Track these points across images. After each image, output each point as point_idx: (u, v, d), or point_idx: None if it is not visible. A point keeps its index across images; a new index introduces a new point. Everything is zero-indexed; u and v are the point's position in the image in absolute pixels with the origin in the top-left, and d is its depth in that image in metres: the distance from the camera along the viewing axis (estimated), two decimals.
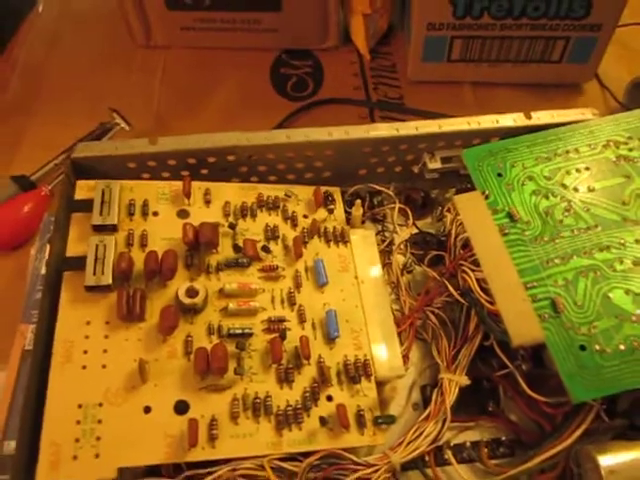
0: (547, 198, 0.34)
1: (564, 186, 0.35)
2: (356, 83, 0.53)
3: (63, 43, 0.54)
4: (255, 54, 0.53)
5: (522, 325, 0.30)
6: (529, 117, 0.38)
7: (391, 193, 0.39)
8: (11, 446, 0.26)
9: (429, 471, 0.31)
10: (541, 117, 0.38)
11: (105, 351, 0.29)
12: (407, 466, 0.31)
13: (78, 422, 0.27)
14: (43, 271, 0.36)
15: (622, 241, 0.33)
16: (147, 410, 0.28)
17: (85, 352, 0.29)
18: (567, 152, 0.36)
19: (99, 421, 0.28)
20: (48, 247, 0.30)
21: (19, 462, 0.27)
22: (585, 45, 0.48)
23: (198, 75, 0.52)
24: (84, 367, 0.29)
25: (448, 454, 0.32)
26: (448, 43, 0.49)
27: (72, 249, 0.32)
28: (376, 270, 0.36)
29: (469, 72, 0.51)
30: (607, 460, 0.29)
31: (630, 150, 0.36)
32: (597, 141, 0.36)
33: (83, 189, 0.33)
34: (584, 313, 0.31)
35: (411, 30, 0.49)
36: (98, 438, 0.27)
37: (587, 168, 0.35)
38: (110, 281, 0.30)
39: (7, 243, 0.41)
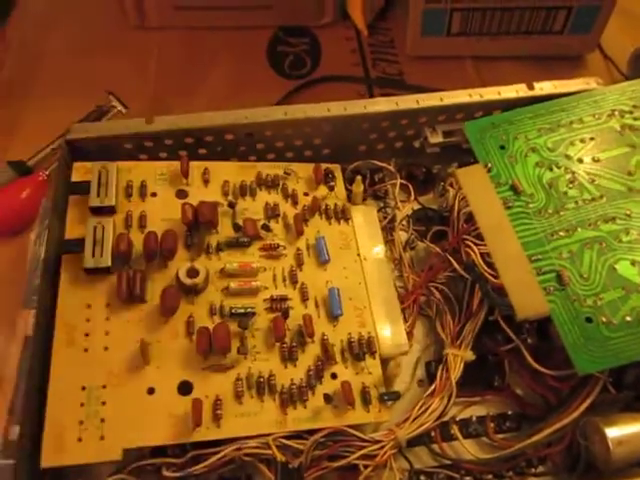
0: (551, 170, 0.34)
1: (568, 157, 0.34)
2: (354, 60, 0.52)
3: (57, 25, 0.53)
4: (251, 32, 0.52)
5: (527, 298, 0.30)
6: (532, 88, 0.37)
7: (392, 169, 0.38)
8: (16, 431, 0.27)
9: (435, 446, 0.31)
10: (544, 88, 0.37)
11: (107, 333, 0.29)
12: (413, 442, 0.31)
13: (82, 404, 0.27)
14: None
15: (628, 212, 0.32)
16: (151, 391, 0.28)
17: (87, 335, 0.29)
18: (571, 123, 0.35)
19: (103, 403, 0.27)
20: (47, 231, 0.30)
21: (23, 446, 0.26)
22: (587, 14, 0.47)
23: (194, 56, 0.51)
24: (86, 350, 0.29)
25: (454, 429, 0.32)
26: (447, 16, 0.48)
27: (70, 232, 0.31)
28: (378, 247, 0.35)
29: (470, 46, 0.50)
30: (614, 432, 0.29)
31: (635, 119, 0.35)
32: (601, 111, 0.35)
33: (80, 171, 0.33)
34: (590, 285, 0.30)
35: (409, 3, 0.48)
36: (102, 420, 0.27)
37: (592, 138, 0.35)
38: (109, 263, 0.30)
39: (5, 230, 0.40)
